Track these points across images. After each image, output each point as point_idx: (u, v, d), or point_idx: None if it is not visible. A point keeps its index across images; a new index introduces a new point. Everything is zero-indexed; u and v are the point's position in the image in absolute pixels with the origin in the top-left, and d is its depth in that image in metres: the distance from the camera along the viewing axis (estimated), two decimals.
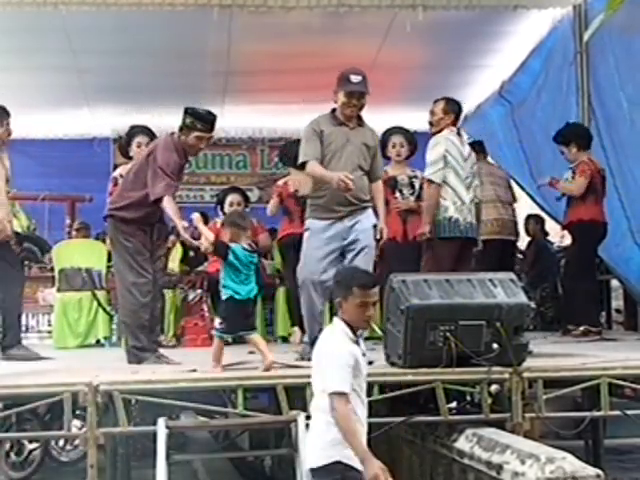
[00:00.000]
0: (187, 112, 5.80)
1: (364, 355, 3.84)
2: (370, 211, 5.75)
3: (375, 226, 5.71)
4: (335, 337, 3.77)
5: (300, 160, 5.77)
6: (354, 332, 3.77)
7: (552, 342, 6.97)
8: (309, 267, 5.61)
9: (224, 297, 5.13)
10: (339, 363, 3.64)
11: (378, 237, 5.72)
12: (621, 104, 7.45)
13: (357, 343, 3.77)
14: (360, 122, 5.79)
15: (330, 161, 5.64)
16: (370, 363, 4.29)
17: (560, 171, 7.62)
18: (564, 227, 7.79)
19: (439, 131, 6.46)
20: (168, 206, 5.55)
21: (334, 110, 5.75)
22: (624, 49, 7.35)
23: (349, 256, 5.63)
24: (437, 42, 8.46)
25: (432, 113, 6.58)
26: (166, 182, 5.61)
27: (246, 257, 5.06)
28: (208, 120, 5.80)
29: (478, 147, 8.63)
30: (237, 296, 5.06)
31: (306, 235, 5.71)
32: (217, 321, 5.17)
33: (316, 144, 5.65)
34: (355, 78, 5.65)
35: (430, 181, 6.29)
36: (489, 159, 8.97)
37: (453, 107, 6.58)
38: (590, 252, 7.45)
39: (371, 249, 5.64)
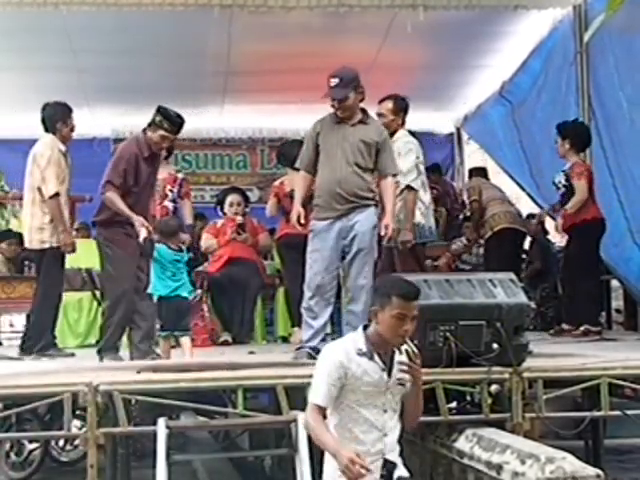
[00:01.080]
0: (159, 110, 5.96)
1: (384, 370, 3.57)
2: (371, 210, 5.69)
3: (375, 227, 5.68)
4: (337, 345, 3.62)
5: (296, 165, 5.93)
6: (377, 345, 3.54)
7: (552, 342, 6.98)
8: (314, 268, 5.60)
9: (155, 299, 5.62)
10: (319, 373, 3.53)
11: (383, 233, 5.66)
12: (621, 104, 7.44)
13: (370, 357, 3.54)
14: (364, 119, 5.73)
15: (326, 160, 5.62)
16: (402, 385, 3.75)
17: (559, 171, 7.60)
18: (566, 230, 7.72)
19: (392, 133, 6.38)
20: (113, 201, 5.79)
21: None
22: (624, 49, 7.34)
23: (347, 257, 5.62)
24: (437, 42, 8.46)
25: (380, 115, 6.48)
26: (108, 180, 5.85)
27: (169, 255, 5.60)
28: (176, 123, 5.98)
29: (482, 173, 8.80)
30: (161, 292, 5.56)
31: (310, 236, 5.70)
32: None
33: (308, 151, 5.73)
34: (333, 81, 5.61)
35: (411, 188, 6.29)
36: None
37: (401, 105, 6.55)
38: (595, 251, 7.45)
39: (370, 252, 5.60)
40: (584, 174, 7.31)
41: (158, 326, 5.74)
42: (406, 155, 6.34)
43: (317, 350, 5.55)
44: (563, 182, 7.40)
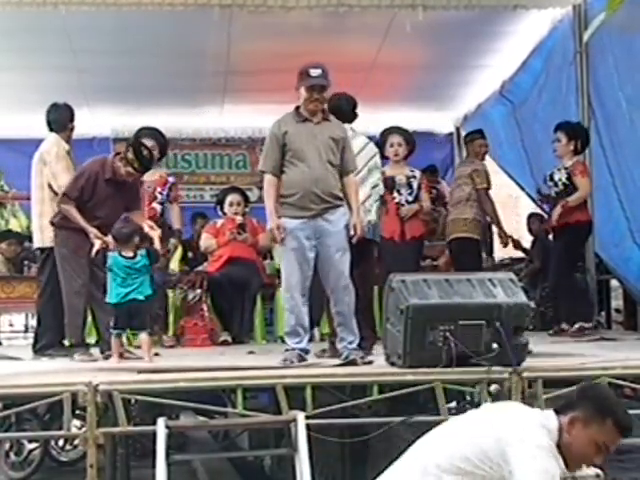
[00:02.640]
0: (133, 147, 6.23)
1: None
2: (342, 210, 5.60)
3: (347, 226, 5.57)
4: (541, 439, 2.97)
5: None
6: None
7: (552, 342, 6.98)
8: (289, 269, 5.53)
9: (107, 301, 5.83)
10: (542, 472, 2.88)
11: (352, 233, 5.57)
12: (620, 104, 7.44)
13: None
14: (325, 116, 5.68)
15: (298, 159, 5.53)
16: None
17: (559, 168, 7.58)
18: (556, 227, 7.64)
19: None
20: (70, 212, 6.08)
21: (298, 107, 5.67)
22: (624, 49, 7.34)
23: (323, 258, 5.51)
24: (437, 42, 8.45)
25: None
26: (65, 193, 6.14)
27: (120, 262, 5.75)
28: (145, 166, 6.30)
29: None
30: (112, 300, 5.76)
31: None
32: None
33: (274, 152, 5.58)
34: (314, 72, 5.57)
35: None
36: None
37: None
38: (581, 251, 7.61)
39: (346, 251, 5.52)
40: (586, 172, 7.35)
41: (111, 323, 5.84)
42: None
43: (306, 351, 5.54)
44: (564, 180, 7.39)
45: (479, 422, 3.16)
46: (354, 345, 5.47)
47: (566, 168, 7.40)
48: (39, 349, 6.42)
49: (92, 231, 6.00)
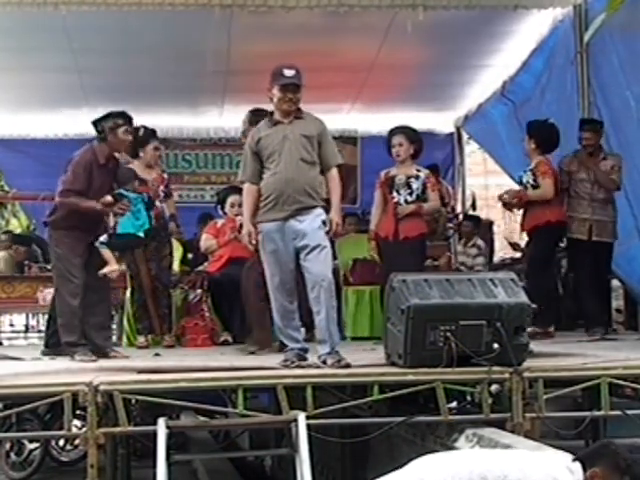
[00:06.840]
0: (104, 118, 6.39)
1: None
2: (316, 212, 5.56)
3: (324, 223, 5.53)
4: None
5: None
6: None
7: (552, 342, 6.97)
8: (271, 270, 5.54)
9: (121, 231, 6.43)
10: None
11: (327, 229, 5.52)
12: (628, 103, 7.40)
13: None
14: (299, 114, 5.66)
15: (271, 163, 5.55)
16: None
17: (525, 170, 7.53)
18: (528, 230, 7.50)
19: None
20: (76, 203, 6.02)
21: (272, 113, 5.67)
22: (628, 48, 7.32)
23: (302, 255, 5.48)
24: (437, 42, 8.46)
25: None
26: (69, 188, 6.07)
27: (129, 196, 6.31)
28: (126, 114, 6.38)
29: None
30: (129, 230, 6.39)
31: (260, 239, 5.60)
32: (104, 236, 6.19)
33: (250, 161, 5.65)
34: (289, 72, 5.57)
35: None
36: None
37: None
38: (554, 252, 7.60)
39: (326, 248, 5.49)
40: (548, 173, 7.23)
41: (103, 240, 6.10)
42: None
43: (305, 350, 5.52)
44: (532, 182, 7.33)
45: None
46: (327, 350, 5.42)
47: (531, 170, 7.33)
48: (51, 345, 6.39)
49: (96, 205, 6.01)
